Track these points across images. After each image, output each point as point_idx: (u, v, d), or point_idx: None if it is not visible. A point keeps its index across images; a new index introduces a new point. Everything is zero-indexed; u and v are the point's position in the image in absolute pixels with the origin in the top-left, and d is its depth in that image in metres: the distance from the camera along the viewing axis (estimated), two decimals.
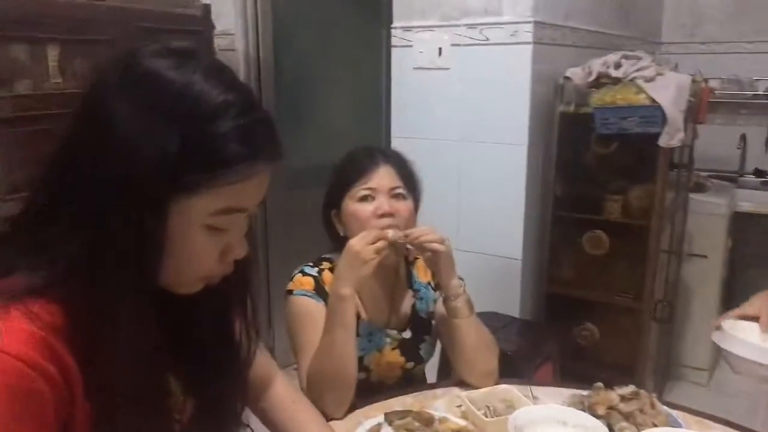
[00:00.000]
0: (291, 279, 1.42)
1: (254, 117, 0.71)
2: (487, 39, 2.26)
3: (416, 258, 1.52)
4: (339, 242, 1.38)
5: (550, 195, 2.40)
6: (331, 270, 1.41)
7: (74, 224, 0.67)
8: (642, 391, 1.22)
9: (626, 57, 2.26)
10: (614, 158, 2.31)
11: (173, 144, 0.65)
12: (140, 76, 0.69)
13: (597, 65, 2.25)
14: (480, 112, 2.31)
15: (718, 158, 3.33)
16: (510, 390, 1.29)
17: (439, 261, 1.32)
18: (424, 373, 1.56)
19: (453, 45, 2.33)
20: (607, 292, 2.39)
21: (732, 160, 3.41)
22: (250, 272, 0.84)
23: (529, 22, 2.16)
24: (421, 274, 1.54)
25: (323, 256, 1.48)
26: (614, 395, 1.21)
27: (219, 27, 2.62)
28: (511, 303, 2.35)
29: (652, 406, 1.20)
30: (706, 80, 2.51)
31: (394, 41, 2.48)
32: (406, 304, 1.50)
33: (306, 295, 1.38)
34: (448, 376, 1.52)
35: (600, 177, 2.38)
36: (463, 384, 1.39)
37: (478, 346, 1.37)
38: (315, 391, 1.28)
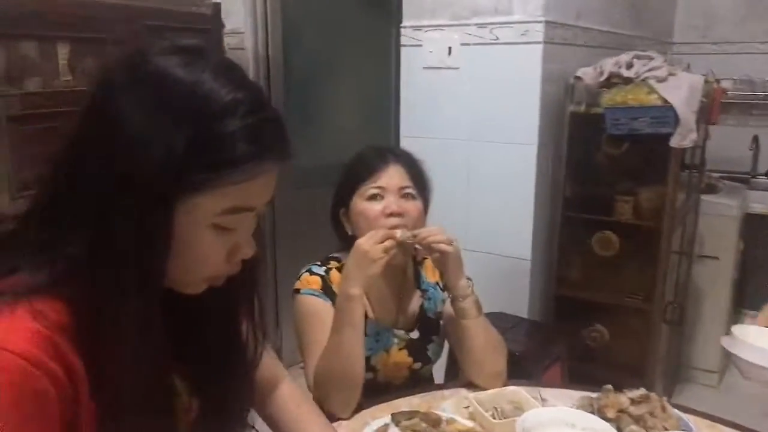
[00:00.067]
0: (298, 278, 1.41)
1: (263, 116, 0.70)
2: (498, 38, 2.24)
3: (424, 258, 1.51)
4: (347, 241, 1.38)
5: (559, 195, 2.39)
6: (339, 269, 1.40)
7: (80, 223, 0.66)
8: (652, 394, 1.21)
9: (638, 57, 2.24)
10: (625, 159, 2.30)
11: (181, 142, 0.65)
12: (148, 74, 0.68)
13: (608, 65, 2.23)
14: (490, 111, 2.30)
15: (730, 159, 3.30)
16: (518, 392, 1.29)
17: (447, 262, 1.31)
18: (431, 374, 1.56)
19: (463, 44, 2.32)
20: (616, 293, 2.37)
21: (744, 162, 3.39)
22: (258, 272, 0.84)
23: (540, 22, 2.15)
24: (430, 274, 1.53)
25: (331, 255, 1.47)
26: (624, 398, 1.19)
27: (228, 25, 2.62)
28: (520, 303, 2.34)
29: (663, 409, 1.18)
30: (718, 81, 2.49)
31: (403, 40, 2.47)
32: (414, 304, 1.49)
33: (313, 295, 1.37)
34: (456, 376, 1.51)
35: (610, 178, 2.36)
36: (471, 385, 1.38)
37: (486, 347, 1.36)
38: (322, 390, 1.28)
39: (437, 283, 1.51)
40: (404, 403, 1.31)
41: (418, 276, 1.52)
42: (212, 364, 0.84)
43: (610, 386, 1.24)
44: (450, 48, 2.34)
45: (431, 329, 1.48)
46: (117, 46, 1.95)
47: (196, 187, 0.67)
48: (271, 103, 0.74)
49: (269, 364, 1.05)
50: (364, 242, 1.25)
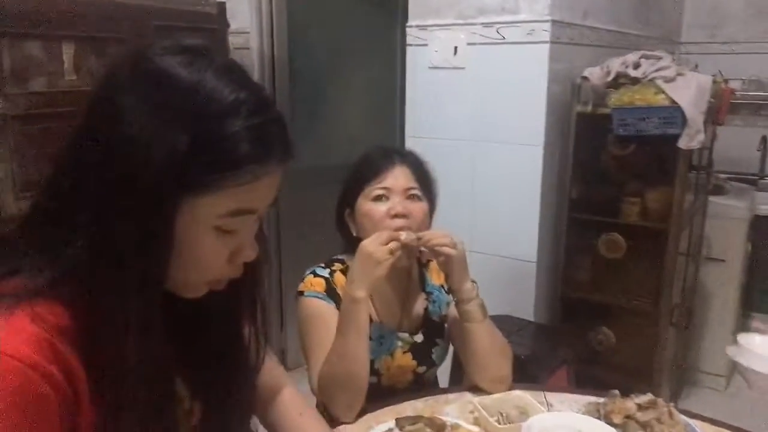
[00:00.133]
0: (302, 280, 1.40)
1: (266, 117, 0.69)
2: (504, 38, 2.23)
3: (429, 260, 1.50)
4: (351, 243, 1.37)
5: (566, 197, 2.37)
6: (343, 272, 1.39)
7: (81, 224, 0.66)
8: (659, 400, 1.19)
9: (645, 57, 2.22)
10: (632, 160, 2.28)
11: (182, 143, 0.64)
12: (150, 73, 0.67)
13: (616, 65, 2.21)
14: (495, 111, 2.29)
15: (738, 160, 3.27)
16: (523, 396, 1.27)
17: (451, 264, 1.29)
18: (436, 378, 1.55)
19: (469, 44, 2.30)
20: (623, 295, 2.35)
21: (752, 163, 3.35)
22: (261, 275, 0.83)
23: (547, 21, 2.14)
24: (435, 277, 1.52)
25: (335, 257, 1.46)
26: (631, 404, 1.18)
27: (234, 25, 2.61)
28: (526, 306, 2.32)
29: (670, 415, 1.17)
30: (726, 81, 2.46)
31: (409, 40, 2.46)
32: (419, 306, 1.48)
33: (317, 297, 1.36)
34: (461, 380, 1.50)
35: (617, 179, 2.34)
36: (476, 389, 1.36)
37: (491, 350, 1.34)
38: (326, 394, 1.27)
39: (442, 286, 1.50)
40: (408, 408, 1.30)
41: (422, 278, 1.51)
42: (214, 368, 0.83)
43: (616, 391, 1.22)
44: (456, 47, 2.33)
45: (436, 332, 1.47)
46: (123, 46, 1.95)
47: (198, 188, 0.66)
48: (274, 104, 0.73)
49: (271, 369, 1.04)
50: (368, 244, 1.24)
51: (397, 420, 1.19)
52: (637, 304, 2.34)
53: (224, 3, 2.47)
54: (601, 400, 1.23)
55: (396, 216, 1.33)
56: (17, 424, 0.60)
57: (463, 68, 2.33)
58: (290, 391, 1.11)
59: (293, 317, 1.48)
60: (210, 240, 0.70)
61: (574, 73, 2.28)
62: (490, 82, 2.28)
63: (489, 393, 1.32)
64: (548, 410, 1.26)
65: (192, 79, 0.66)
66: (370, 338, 1.32)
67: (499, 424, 1.18)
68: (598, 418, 1.17)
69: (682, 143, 2.10)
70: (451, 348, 1.51)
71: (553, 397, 1.34)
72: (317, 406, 1.35)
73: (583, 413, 1.20)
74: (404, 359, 1.42)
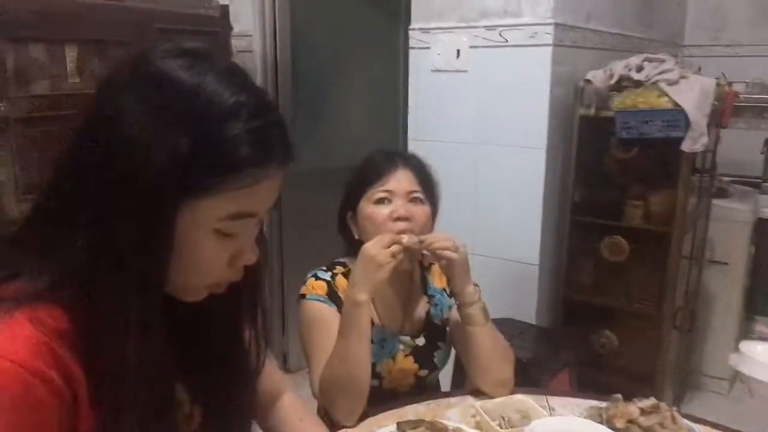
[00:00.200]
0: (304, 283, 1.40)
1: (266, 120, 0.69)
2: (506, 41, 2.23)
3: (431, 263, 1.50)
4: (353, 246, 1.37)
5: (568, 200, 2.37)
6: (345, 275, 1.39)
7: (81, 227, 0.65)
8: (662, 404, 1.19)
9: (649, 59, 2.21)
10: (635, 163, 2.27)
11: (183, 146, 0.64)
12: (151, 75, 0.67)
13: (618, 68, 2.21)
14: (498, 114, 2.28)
15: (742, 163, 3.26)
16: (525, 400, 1.27)
17: (453, 268, 1.29)
18: (437, 381, 1.54)
19: (471, 47, 2.30)
20: (626, 299, 2.35)
21: (756, 166, 3.33)
22: (261, 278, 0.83)
23: (549, 24, 2.13)
24: (437, 280, 1.51)
25: (337, 260, 1.46)
26: (634, 408, 1.17)
27: (237, 28, 2.62)
28: (528, 309, 2.32)
29: (673, 420, 1.16)
30: (730, 84, 2.46)
31: (412, 43, 2.46)
32: (421, 310, 1.47)
33: (319, 300, 1.36)
34: (463, 383, 1.50)
35: (620, 182, 2.34)
36: (478, 392, 1.36)
37: (493, 354, 1.34)
38: (327, 397, 1.26)
39: (444, 289, 1.50)
40: (410, 411, 1.29)
41: (424, 281, 1.51)
42: (214, 372, 0.83)
43: (619, 395, 1.22)
44: (458, 50, 2.33)
45: (438, 336, 1.47)
46: (126, 49, 1.95)
47: (198, 191, 0.66)
48: (275, 107, 0.73)
49: (271, 374, 1.04)
50: (370, 247, 1.23)
51: (398, 424, 1.19)
52: (640, 308, 2.33)
53: (227, 6, 2.48)
54: (604, 404, 1.22)
55: (398, 219, 1.33)
56: (16, 429, 0.59)
57: (465, 71, 2.33)
58: (290, 396, 1.11)
59: (295, 320, 1.48)
60: (210, 243, 0.69)
61: (576, 76, 2.28)
62: (492, 85, 2.28)
63: (491, 396, 1.32)
64: (550, 414, 1.25)
65: (192, 82, 0.66)
66: (372, 341, 1.31)
67: (501, 428, 1.18)
68: (601, 422, 1.16)
69: (686, 146, 2.10)
70: (453, 351, 1.50)
71: (555, 401, 1.33)
72: (318, 411, 1.35)
73: (586, 417, 1.20)
74: (406, 362, 1.42)
